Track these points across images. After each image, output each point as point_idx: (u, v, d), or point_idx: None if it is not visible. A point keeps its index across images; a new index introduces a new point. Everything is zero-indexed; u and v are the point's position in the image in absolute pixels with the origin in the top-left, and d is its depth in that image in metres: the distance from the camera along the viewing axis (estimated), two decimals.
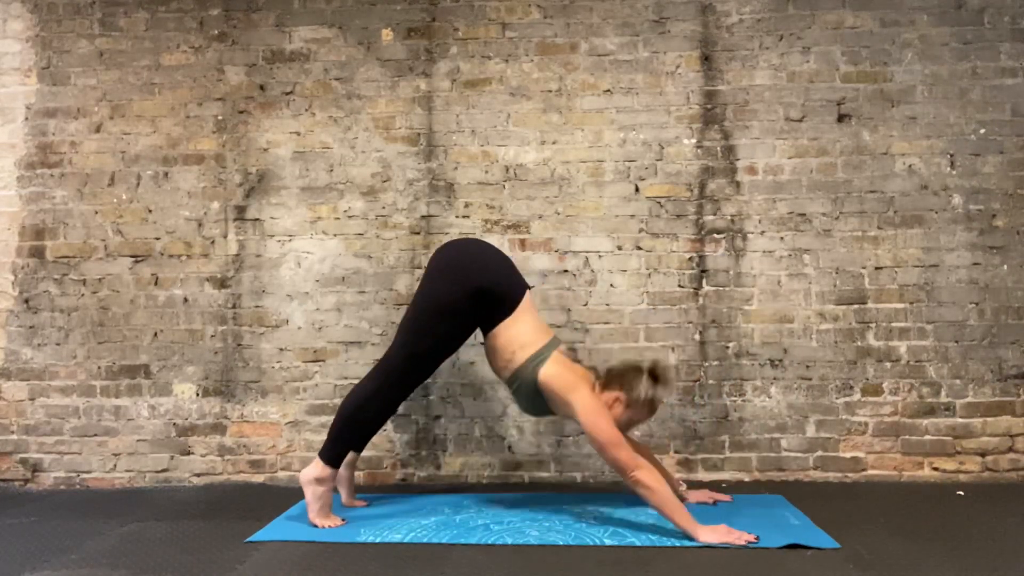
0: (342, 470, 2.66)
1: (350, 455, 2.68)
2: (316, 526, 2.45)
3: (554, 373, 2.43)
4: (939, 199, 3.09)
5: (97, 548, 2.30)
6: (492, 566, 2.09)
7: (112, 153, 3.24)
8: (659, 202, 3.15)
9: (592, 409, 2.37)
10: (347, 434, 2.51)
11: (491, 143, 3.19)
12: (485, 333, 2.57)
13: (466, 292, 2.47)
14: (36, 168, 3.25)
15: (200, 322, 3.20)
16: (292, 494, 2.88)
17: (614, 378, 2.51)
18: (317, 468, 2.48)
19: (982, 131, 3.09)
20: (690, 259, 3.13)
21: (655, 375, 2.50)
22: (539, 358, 2.46)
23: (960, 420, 3.04)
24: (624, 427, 2.50)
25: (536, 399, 2.49)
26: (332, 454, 2.50)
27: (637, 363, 2.56)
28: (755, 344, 3.09)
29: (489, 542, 2.29)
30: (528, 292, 2.59)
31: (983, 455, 3.03)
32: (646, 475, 2.27)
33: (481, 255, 2.57)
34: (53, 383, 3.20)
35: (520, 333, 2.49)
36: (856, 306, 3.08)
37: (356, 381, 3.12)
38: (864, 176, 3.11)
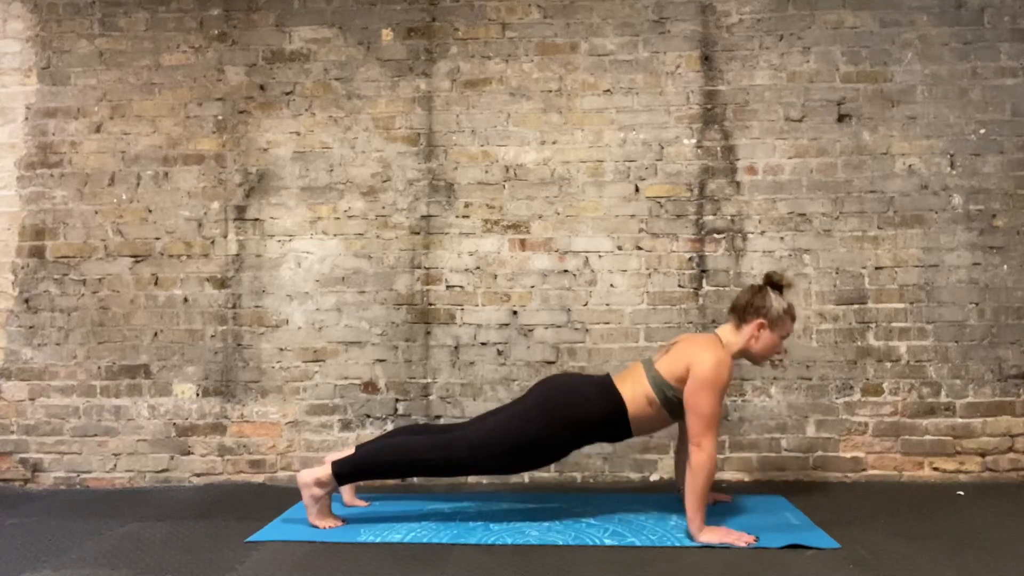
0: None
1: None
2: (316, 527, 2.45)
3: (673, 364, 2.38)
4: (939, 199, 3.09)
5: (97, 548, 2.30)
6: (492, 566, 2.09)
7: (112, 153, 3.24)
8: (659, 202, 3.15)
9: (708, 375, 2.30)
10: (377, 473, 2.49)
11: (491, 143, 3.19)
12: (629, 433, 2.49)
13: (569, 437, 2.44)
14: (36, 168, 3.25)
15: (200, 322, 3.20)
16: (292, 494, 2.87)
17: (744, 309, 2.45)
18: (322, 473, 2.45)
19: (982, 131, 3.09)
20: (690, 259, 3.13)
21: (776, 284, 2.48)
22: (656, 377, 2.40)
23: (960, 420, 3.04)
24: (778, 347, 2.48)
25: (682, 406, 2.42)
26: (347, 474, 2.46)
27: (753, 285, 2.52)
28: None
29: (489, 542, 2.29)
30: (610, 376, 2.51)
31: (983, 455, 3.03)
32: (704, 457, 2.26)
33: (580, 396, 2.46)
34: (53, 383, 3.20)
35: (636, 393, 2.42)
36: (856, 306, 3.08)
37: (356, 381, 3.14)
38: (864, 176, 3.11)
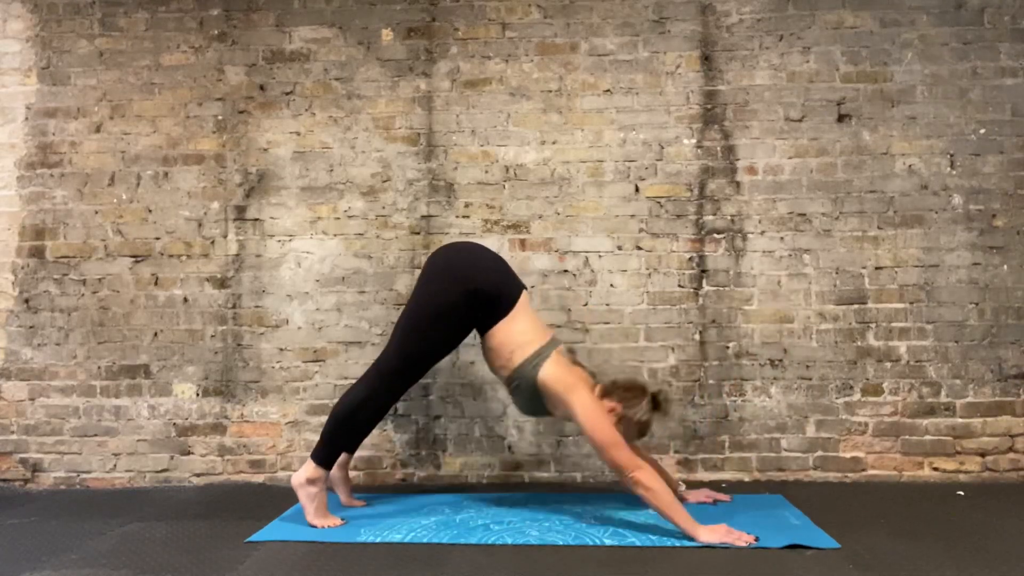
0: (336, 471, 2.66)
1: (343, 456, 2.68)
2: (315, 527, 2.45)
3: (553, 373, 2.43)
4: (939, 199, 3.09)
5: (97, 548, 2.30)
6: (492, 566, 2.09)
7: (112, 153, 3.24)
8: (659, 202, 3.15)
9: (592, 410, 2.37)
10: (340, 435, 2.51)
11: (491, 143, 3.19)
12: (482, 334, 2.56)
13: (461, 294, 2.47)
14: (36, 168, 3.25)
15: (200, 322, 3.20)
16: (292, 494, 2.86)
17: (616, 389, 2.51)
18: (309, 469, 2.48)
19: (982, 131, 3.09)
20: (690, 259, 3.13)
21: (657, 402, 2.51)
22: (538, 358, 2.45)
23: (960, 420, 3.04)
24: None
25: (535, 399, 2.49)
26: (324, 455, 2.49)
27: (643, 383, 2.59)
28: (755, 344, 3.09)
29: (489, 542, 2.29)
30: (525, 292, 2.59)
31: (983, 455, 3.03)
32: (645, 475, 2.27)
33: (476, 257, 2.57)
34: (53, 383, 3.20)
35: (518, 333, 2.49)
36: (856, 306, 3.08)
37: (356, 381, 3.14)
38: (864, 176, 3.11)
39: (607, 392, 2.51)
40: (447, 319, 2.50)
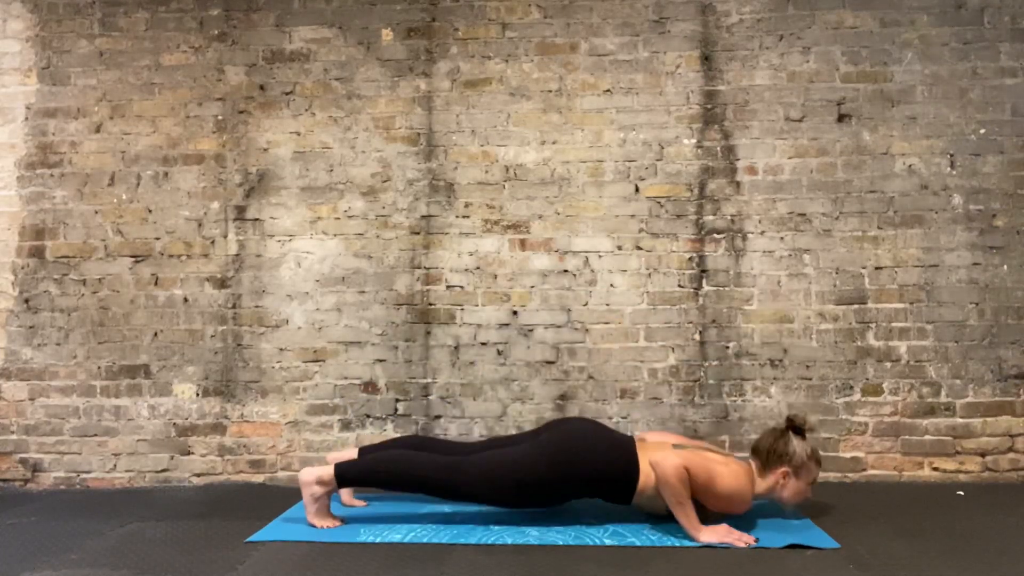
0: None
1: (349, 457, 2.67)
2: (314, 527, 2.45)
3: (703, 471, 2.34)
4: (939, 199, 3.09)
5: (97, 548, 2.30)
6: (492, 566, 2.09)
7: (112, 153, 3.24)
8: (659, 202, 3.15)
9: (727, 498, 2.34)
10: (380, 483, 2.48)
11: (491, 143, 3.19)
12: (634, 497, 2.45)
13: (570, 489, 2.43)
14: (36, 168, 3.25)
15: (200, 322, 3.20)
16: (292, 494, 2.87)
17: (768, 456, 2.43)
18: (324, 473, 2.45)
19: (982, 131, 3.09)
20: (690, 259, 3.13)
21: (797, 428, 2.45)
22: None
23: (960, 420, 3.04)
24: (805, 492, 2.45)
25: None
26: (351, 480, 2.46)
27: (772, 428, 2.51)
28: (755, 344, 3.09)
29: (489, 542, 2.29)
30: (633, 439, 2.51)
31: (983, 455, 3.03)
32: (667, 467, 2.26)
33: (593, 448, 2.44)
34: (53, 383, 3.20)
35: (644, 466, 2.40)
36: (856, 306, 3.08)
37: (356, 381, 3.14)
38: (864, 176, 3.11)
39: (765, 465, 2.42)
40: (548, 499, 2.45)
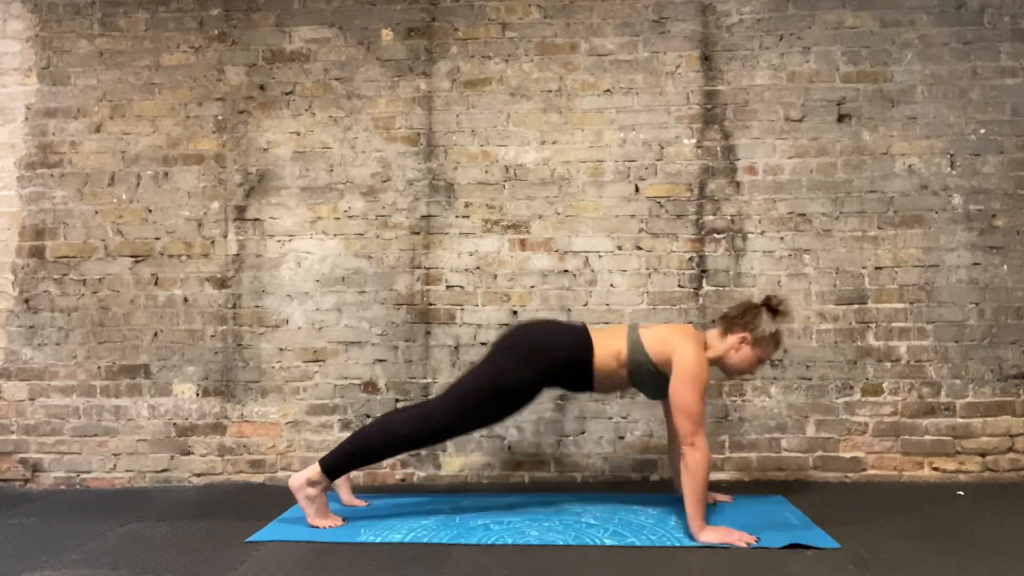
0: None
1: None
2: (317, 528, 2.45)
3: (655, 340, 2.43)
4: (939, 199, 3.09)
5: (97, 548, 2.30)
6: (492, 566, 2.09)
7: (112, 153, 3.24)
8: (659, 202, 3.15)
9: (690, 367, 2.34)
10: (363, 459, 2.50)
11: (491, 143, 3.19)
12: (592, 379, 2.51)
13: (540, 374, 2.46)
14: (36, 168, 3.25)
15: (200, 322, 3.20)
16: (292, 494, 2.87)
17: (734, 320, 2.49)
18: (312, 473, 2.46)
19: (982, 131, 3.09)
20: (690, 259, 3.13)
21: (773, 308, 2.49)
22: (636, 341, 2.45)
23: (960, 420, 3.04)
24: (753, 365, 2.51)
25: (659, 378, 2.45)
26: (336, 468, 2.47)
27: (749, 300, 2.58)
28: None
29: (489, 542, 2.29)
30: (586, 326, 2.56)
31: (983, 455, 3.03)
32: (698, 455, 2.27)
33: (552, 336, 2.51)
34: (53, 383, 3.20)
35: (606, 347, 2.47)
36: (856, 306, 3.08)
37: (356, 381, 3.14)
38: (864, 176, 3.11)
39: (727, 328, 2.49)
40: (518, 397, 2.48)
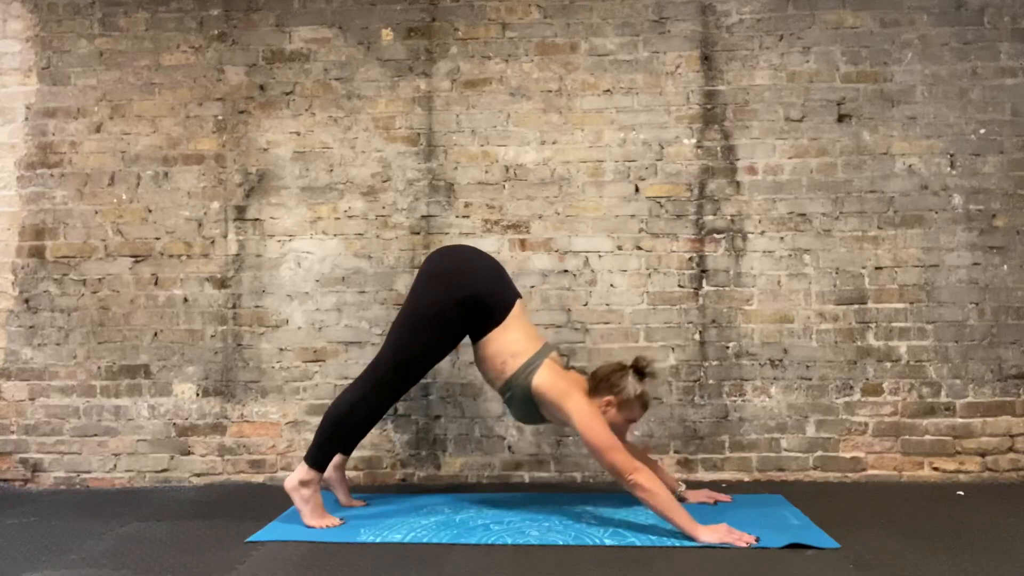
0: (331, 472, 2.66)
1: (338, 457, 2.68)
2: (313, 528, 2.44)
3: (547, 380, 2.42)
4: (939, 199, 3.09)
5: (97, 548, 2.30)
6: (492, 566, 2.09)
7: (112, 153, 3.24)
8: (659, 202, 3.15)
9: (587, 414, 2.36)
10: (333, 438, 2.51)
11: (491, 143, 3.19)
12: (475, 342, 2.56)
13: (455, 300, 2.47)
14: (36, 168, 3.25)
15: (200, 322, 3.20)
16: None
17: (600, 382, 2.50)
18: (301, 472, 2.47)
19: (982, 131, 3.09)
20: (690, 259, 3.13)
21: (639, 370, 2.50)
22: (531, 366, 2.45)
23: (960, 420, 3.04)
24: (621, 428, 2.50)
25: (529, 407, 2.48)
26: (317, 457, 2.49)
27: (618, 363, 2.55)
28: (755, 344, 3.09)
29: (489, 542, 2.29)
30: (520, 300, 2.59)
31: (983, 455, 3.03)
32: (644, 478, 2.27)
33: (472, 262, 2.57)
34: (53, 383, 3.20)
35: (511, 342, 2.49)
36: (856, 306, 3.08)
37: None
38: (864, 176, 3.11)
39: (594, 389, 2.49)
40: (440, 325, 2.49)
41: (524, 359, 2.46)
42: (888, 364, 3.06)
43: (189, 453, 3.17)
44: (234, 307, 3.20)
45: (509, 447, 3.13)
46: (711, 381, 3.09)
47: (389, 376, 2.50)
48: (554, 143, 3.17)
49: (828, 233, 3.10)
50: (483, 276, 2.54)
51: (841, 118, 3.12)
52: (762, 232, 3.12)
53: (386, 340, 2.57)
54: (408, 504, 2.76)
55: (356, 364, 3.15)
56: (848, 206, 3.10)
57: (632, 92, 3.17)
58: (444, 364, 3.14)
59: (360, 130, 3.21)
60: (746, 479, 3.07)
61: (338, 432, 2.51)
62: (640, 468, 2.28)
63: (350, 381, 3.11)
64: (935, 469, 3.04)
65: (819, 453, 3.06)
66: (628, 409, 2.48)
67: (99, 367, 3.20)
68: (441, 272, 2.53)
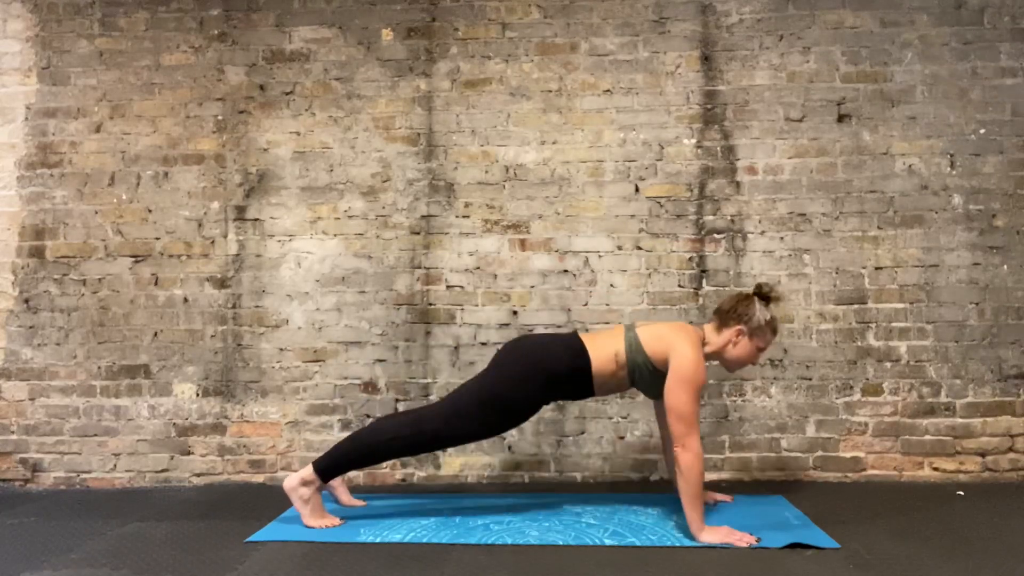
0: None
1: None
2: (313, 528, 2.44)
3: (655, 339, 2.42)
4: (939, 199, 3.09)
5: (97, 548, 2.30)
6: (492, 566, 2.09)
7: (112, 153, 3.24)
8: (659, 202, 3.15)
9: (686, 372, 2.32)
10: (356, 460, 2.50)
11: (491, 143, 3.19)
12: (591, 382, 2.50)
13: (537, 392, 2.46)
14: (36, 168, 3.25)
15: (200, 322, 3.20)
16: None
17: (727, 314, 2.48)
18: (305, 474, 2.47)
19: (982, 131, 3.09)
20: (690, 259, 3.13)
21: (763, 296, 2.49)
22: (634, 341, 2.44)
23: (960, 420, 3.04)
24: (753, 356, 2.49)
25: (659, 377, 2.43)
26: (329, 470, 2.48)
27: (740, 292, 2.54)
28: None
29: (489, 542, 2.29)
30: (577, 333, 2.56)
31: (983, 455, 3.03)
32: (691, 457, 2.26)
33: (546, 350, 2.50)
34: (53, 383, 3.20)
35: (603, 345, 2.46)
36: (856, 306, 3.08)
37: (356, 381, 3.14)
38: (864, 176, 3.11)
39: (722, 323, 2.48)
40: (517, 411, 2.48)
41: (623, 344, 2.44)
42: (888, 364, 3.06)
43: (189, 453, 3.17)
44: (234, 307, 3.20)
45: (509, 447, 3.13)
46: (711, 381, 3.09)
47: (436, 435, 2.47)
48: (554, 143, 3.17)
49: (828, 233, 3.10)
50: (554, 356, 2.48)
51: (841, 118, 3.12)
52: (762, 232, 3.12)
53: (448, 399, 2.52)
54: (408, 504, 2.76)
55: (356, 364, 3.15)
56: (848, 206, 3.10)
57: (632, 92, 3.17)
58: (444, 364, 3.14)
59: (360, 130, 3.21)
60: (746, 479, 3.07)
61: (364, 456, 2.49)
62: (696, 448, 2.27)
63: (351, 381, 3.15)
64: (935, 469, 3.04)
65: (819, 453, 3.06)
66: (760, 336, 2.46)
67: (99, 367, 3.20)
68: (522, 364, 2.48)
